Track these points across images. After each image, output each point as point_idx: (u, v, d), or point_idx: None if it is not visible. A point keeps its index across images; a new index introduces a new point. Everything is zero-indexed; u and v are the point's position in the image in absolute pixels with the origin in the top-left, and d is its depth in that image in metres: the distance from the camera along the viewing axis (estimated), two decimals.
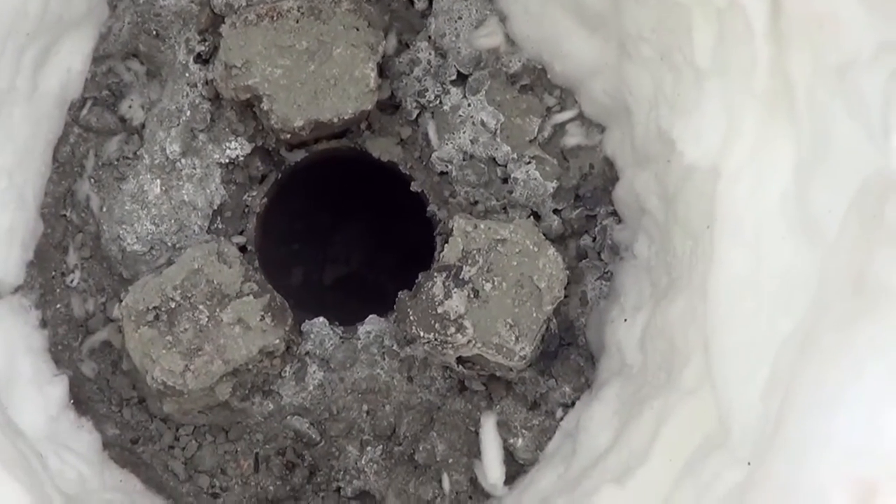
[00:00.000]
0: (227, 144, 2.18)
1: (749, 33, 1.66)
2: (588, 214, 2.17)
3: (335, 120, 2.05)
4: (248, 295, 2.02)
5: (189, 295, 2.01)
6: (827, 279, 1.52)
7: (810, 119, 1.57)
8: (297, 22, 2.06)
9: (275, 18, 2.06)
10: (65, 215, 2.20)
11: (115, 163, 2.20)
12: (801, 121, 1.59)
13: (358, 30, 2.06)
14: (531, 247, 1.99)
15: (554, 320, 2.03)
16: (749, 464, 1.53)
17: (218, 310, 2.01)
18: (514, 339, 1.97)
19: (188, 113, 2.17)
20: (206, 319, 2.00)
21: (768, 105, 1.65)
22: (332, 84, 2.05)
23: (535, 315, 1.98)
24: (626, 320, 2.00)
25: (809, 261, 1.56)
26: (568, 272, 2.00)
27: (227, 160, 2.18)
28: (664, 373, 1.84)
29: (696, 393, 1.73)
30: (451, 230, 2.01)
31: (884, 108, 1.48)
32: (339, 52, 2.05)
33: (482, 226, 2.00)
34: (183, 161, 2.17)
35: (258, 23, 2.06)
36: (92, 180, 2.19)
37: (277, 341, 2.00)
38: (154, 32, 2.21)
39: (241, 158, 2.19)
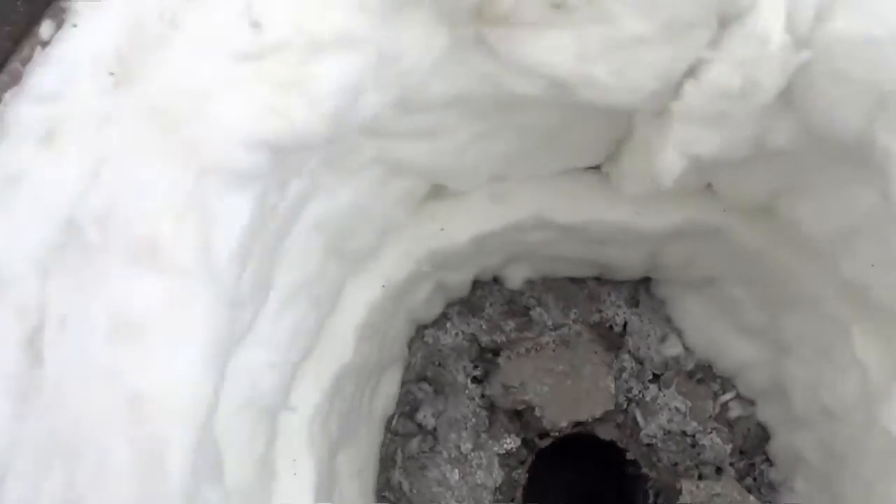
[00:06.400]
0: (504, 440, 3.06)
1: None
2: (749, 463, 3.03)
3: (589, 419, 2.96)
4: None
5: None
6: None
7: None
8: (554, 351, 3.00)
9: (538, 350, 3.01)
10: (385, 496, 3.04)
11: (416, 456, 3.07)
12: None
13: (597, 353, 3.01)
14: (737, 496, 2.85)
15: None
16: None
17: None
18: None
19: (472, 420, 3.07)
20: None
21: None
22: (586, 394, 2.97)
23: None
24: None
25: None
26: None
27: (503, 451, 3.05)
28: None
29: None
30: (680, 490, 2.87)
31: None
32: (587, 371, 2.99)
33: (702, 485, 2.87)
34: (472, 454, 3.05)
35: (526, 354, 3.00)
36: (401, 470, 3.06)
37: None
38: (438, 363, 3.15)
39: (514, 449, 3.06)
